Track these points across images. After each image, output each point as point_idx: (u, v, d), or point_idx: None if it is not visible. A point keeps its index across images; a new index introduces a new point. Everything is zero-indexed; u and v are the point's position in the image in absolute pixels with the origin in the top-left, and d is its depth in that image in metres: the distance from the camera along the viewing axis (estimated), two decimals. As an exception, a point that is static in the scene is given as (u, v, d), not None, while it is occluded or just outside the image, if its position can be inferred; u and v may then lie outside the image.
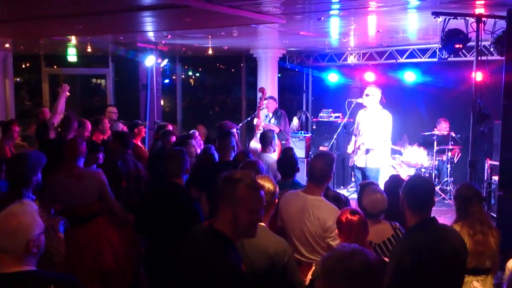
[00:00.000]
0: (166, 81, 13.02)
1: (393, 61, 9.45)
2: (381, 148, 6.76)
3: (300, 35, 7.87)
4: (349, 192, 8.77)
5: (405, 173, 8.22)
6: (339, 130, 8.40)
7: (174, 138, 6.24)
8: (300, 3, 5.64)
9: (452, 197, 8.27)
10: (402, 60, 9.34)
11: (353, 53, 10.19)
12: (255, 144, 7.45)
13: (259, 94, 8.54)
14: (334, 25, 7.17)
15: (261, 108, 8.24)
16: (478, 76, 5.37)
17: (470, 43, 5.44)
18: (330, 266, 1.76)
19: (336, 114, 9.72)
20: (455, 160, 8.67)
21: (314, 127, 10.12)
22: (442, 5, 5.18)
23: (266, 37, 8.56)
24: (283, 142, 7.89)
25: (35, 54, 11.60)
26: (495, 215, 5.12)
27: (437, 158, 8.64)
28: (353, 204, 4.96)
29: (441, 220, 5.71)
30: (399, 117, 8.08)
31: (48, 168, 3.83)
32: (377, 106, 6.86)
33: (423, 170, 8.62)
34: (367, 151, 6.74)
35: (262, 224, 2.82)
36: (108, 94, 11.82)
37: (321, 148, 9.50)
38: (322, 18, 6.33)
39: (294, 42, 9.39)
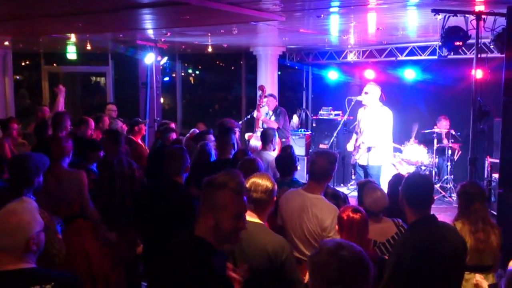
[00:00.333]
0: (166, 79, 13.01)
1: (393, 58, 9.45)
2: (382, 146, 6.76)
3: (300, 32, 7.86)
4: (349, 190, 8.77)
5: (405, 171, 8.22)
6: (339, 128, 8.39)
7: (174, 135, 6.24)
8: (299, 1, 5.63)
9: (452, 195, 8.31)
10: (402, 57, 9.34)
11: (353, 51, 10.18)
12: (255, 142, 7.44)
13: (259, 92, 8.53)
14: (334, 23, 7.16)
15: (261, 106, 8.23)
16: (478, 73, 5.37)
17: (470, 41, 5.44)
18: (322, 259, 1.76)
19: (336, 112, 9.71)
20: (455, 157, 8.67)
21: (314, 125, 10.11)
22: (442, 3, 5.18)
23: (266, 34, 8.55)
24: (283, 140, 7.88)
25: (35, 52, 11.59)
26: (495, 213, 5.12)
27: (437, 156, 8.64)
28: (352, 202, 4.97)
29: (441, 217, 5.71)
30: (399, 115, 8.07)
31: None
32: (377, 104, 6.85)
33: (423, 167, 8.62)
34: (369, 149, 6.74)
35: (261, 222, 2.82)
36: (108, 92, 11.82)
37: (321, 146, 9.49)
38: (322, 15, 6.32)
39: (294, 40, 9.38)
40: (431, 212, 2.86)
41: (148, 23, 7.12)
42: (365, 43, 9.57)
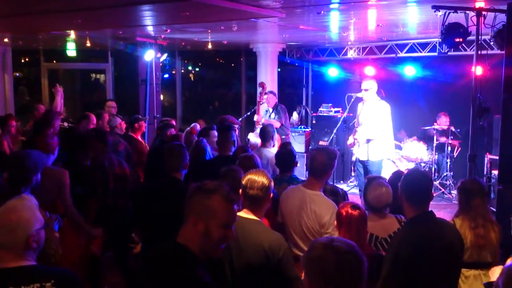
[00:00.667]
0: (166, 75, 13.00)
1: (393, 55, 9.43)
2: (381, 138, 6.75)
3: (300, 29, 7.85)
4: (349, 187, 8.78)
5: (405, 168, 8.23)
6: (339, 125, 8.39)
7: (173, 131, 6.24)
8: (299, -3, 5.63)
9: (451, 191, 8.31)
10: (402, 54, 9.32)
11: (353, 48, 10.17)
12: (254, 138, 7.44)
13: (259, 89, 8.53)
14: (334, 19, 7.15)
15: (261, 102, 8.23)
16: (478, 70, 5.36)
17: (470, 37, 5.42)
18: (318, 254, 1.79)
19: (336, 109, 9.71)
20: (455, 154, 8.67)
21: (313, 121, 10.11)
22: (442, -1, 5.17)
23: (266, 31, 8.54)
24: (283, 137, 7.88)
25: (34, 49, 11.58)
26: (494, 210, 5.12)
27: (437, 153, 8.64)
28: (352, 199, 4.98)
29: (441, 214, 5.72)
30: (399, 111, 8.07)
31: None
32: (375, 98, 6.88)
33: (422, 164, 8.62)
34: (368, 141, 6.74)
35: (257, 219, 2.82)
36: (108, 89, 11.81)
37: (320, 142, 9.50)
38: (322, 12, 6.31)
39: (294, 36, 9.37)
40: (430, 209, 2.87)
41: (148, 19, 7.10)
42: (365, 40, 9.56)
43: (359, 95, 7.15)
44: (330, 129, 9.06)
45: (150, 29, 8.33)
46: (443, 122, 8.66)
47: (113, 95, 11.56)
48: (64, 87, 12.78)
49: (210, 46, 9.90)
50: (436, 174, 8.65)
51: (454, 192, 8.11)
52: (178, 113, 12.66)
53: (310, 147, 9.47)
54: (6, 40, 9.63)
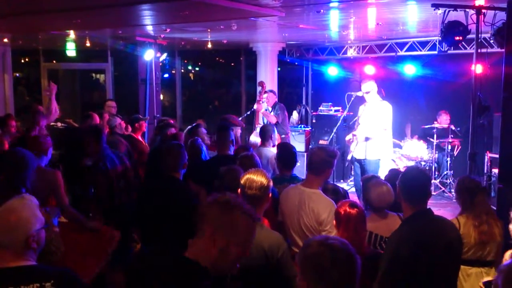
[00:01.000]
0: (166, 75, 13.00)
1: (393, 54, 9.43)
2: (380, 138, 6.74)
3: (300, 28, 7.84)
4: (349, 186, 8.78)
5: (404, 167, 8.23)
6: (338, 124, 8.39)
7: (173, 130, 6.23)
8: (299, -4, 5.62)
9: (452, 190, 8.30)
10: (402, 53, 9.32)
11: (353, 46, 10.16)
12: (254, 138, 7.44)
13: (259, 88, 8.52)
14: (334, 18, 7.15)
15: (261, 101, 8.22)
16: (478, 68, 5.35)
17: (470, 35, 5.42)
18: (313, 250, 1.82)
19: (336, 108, 9.70)
20: (455, 153, 8.67)
21: (313, 120, 10.10)
22: (442, -3, 5.16)
23: (266, 30, 8.53)
24: (283, 136, 7.88)
25: (34, 49, 11.58)
26: (495, 208, 5.11)
27: (437, 151, 8.64)
28: (352, 198, 4.97)
29: (441, 212, 5.72)
30: (399, 110, 8.07)
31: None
32: (377, 98, 6.86)
33: (422, 163, 8.62)
34: (366, 139, 6.73)
35: None
36: (107, 89, 11.81)
37: (320, 142, 9.49)
38: (322, 10, 6.30)
39: (294, 35, 9.36)
40: (429, 207, 2.86)
41: (147, 19, 7.09)
42: (365, 39, 9.55)
43: (359, 94, 7.14)
44: (330, 128, 9.05)
45: (149, 28, 8.33)
46: (443, 120, 8.65)
47: (113, 95, 11.55)
48: (64, 87, 12.86)
49: (209, 46, 9.89)
50: (436, 173, 8.65)
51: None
52: (178, 112, 12.66)
53: (310, 146, 9.47)
54: (5, 40, 9.63)
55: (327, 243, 1.83)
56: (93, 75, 13.62)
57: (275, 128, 5.93)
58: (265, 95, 8.22)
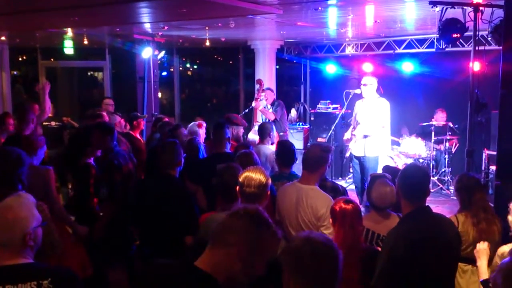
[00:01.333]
0: (164, 73, 12.98)
1: (391, 51, 9.43)
2: (379, 135, 6.75)
3: (298, 25, 7.83)
4: (347, 183, 8.79)
5: (403, 164, 8.24)
6: (337, 121, 8.39)
7: (183, 131, 6.21)
8: (297, -6, 5.61)
9: (450, 187, 8.32)
10: (400, 50, 9.33)
11: (351, 44, 10.16)
12: (253, 136, 7.44)
13: (257, 86, 8.52)
14: (332, 15, 7.14)
15: (259, 99, 8.22)
16: (475, 66, 5.35)
17: (468, 33, 5.42)
18: (295, 245, 1.83)
19: (334, 105, 9.71)
20: (453, 150, 8.68)
21: (312, 118, 10.11)
22: (440, -5, 5.16)
23: (264, 28, 8.52)
24: (281, 133, 7.88)
25: (32, 47, 11.55)
26: (492, 205, 5.12)
27: (435, 149, 8.65)
28: (350, 195, 4.97)
29: (439, 210, 5.73)
30: (397, 108, 8.08)
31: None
32: (374, 95, 6.87)
33: (421, 160, 8.63)
34: (365, 137, 6.73)
35: None
36: (105, 87, 11.79)
37: (319, 139, 9.50)
38: (320, 8, 6.30)
39: (292, 33, 9.35)
40: (427, 204, 2.86)
41: (145, 16, 7.08)
42: (363, 36, 9.55)
43: (357, 91, 7.15)
44: (328, 126, 9.06)
45: (147, 26, 8.31)
46: (439, 118, 8.68)
47: (111, 93, 11.53)
48: (62, 85, 12.84)
49: (208, 43, 9.88)
50: (434, 170, 8.66)
51: (453, 188, 8.12)
52: (176, 110, 12.65)
53: (308, 144, 9.47)
54: (3, 38, 9.60)
55: (308, 238, 1.83)
56: (91, 73, 13.59)
57: (273, 126, 5.93)
58: (263, 94, 8.21)
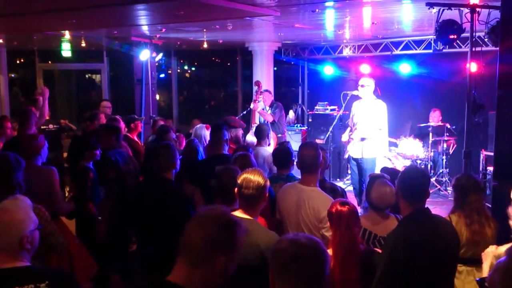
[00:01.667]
0: (162, 75, 12.98)
1: (389, 53, 9.45)
2: (376, 137, 6.76)
3: (295, 27, 7.84)
4: (345, 185, 8.79)
5: (401, 165, 8.25)
6: (334, 123, 8.40)
7: (173, 134, 6.21)
8: (294, -5, 5.62)
9: (447, 188, 8.33)
10: (397, 52, 9.34)
11: (349, 46, 10.17)
12: (251, 137, 7.44)
13: (255, 88, 8.52)
14: (329, 17, 7.15)
15: (257, 101, 8.23)
16: (472, 67, 5.36)
17: (465, 34, 5.43)
18: (281, 246, 1.84)
19: (332, 107, 9.72)
20: (451, 151, 8.70)
21: (310, 120, 10.12)
22: (436, -4, 5.17)
23: (261, 30, 8.53)
24: (279, 135, 7.89)
25: (29, 49, 11.55)
26: (490, 206, 5.13)
27: (433, 150, 8.66)
28: (349, 196, 4.98)
29: (437, 211, 5.73)
30: (395, 109, 8.09)
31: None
32: (371, 97, 6.88)
33: (418, 161, 8.64)
34: (362, 139, 6.75)
35: (252, 218, 2.82)
36: (103, 89, 11.79)
37: (317, 141, 9.49)
38: (317, 10, 6.31)
39: (290, 35, 9.36)
40: (426, 206, 2.86)
41: (143, 19, 7.08)
42: (361, 38, 9.57)
43: (355, 93, 7.16)
44: (326, 127, 9.07)
45: (145, 28, 8.31)
46: (434, 117, 8.73)
47: (109, 95, 11.53)
48: (60, 88, 12.82)
49: (205, 45, 9.88)
50: (432, 171, 8.67)
51: (450, 188, 8.12)
52: (174, 112, 12.65)
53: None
54: (0, 41, 9.59)
55: (293, 240, 1.84)
56: (89, 75, 13.58)
57: (270, 127, 5.93)
58: (261, 96, 8.22)
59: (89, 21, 7.21)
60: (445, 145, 8.57)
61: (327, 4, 6.04)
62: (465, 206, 3.53)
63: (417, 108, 9.66)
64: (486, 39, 5.96)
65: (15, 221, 2.11)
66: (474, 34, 5.21)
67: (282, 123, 8.23)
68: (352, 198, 6.40)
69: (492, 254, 3.09)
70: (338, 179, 9.40)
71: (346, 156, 7.32)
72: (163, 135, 5.55)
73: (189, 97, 13.87)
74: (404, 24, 7.78)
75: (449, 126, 8.45)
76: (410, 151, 8.67)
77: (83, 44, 9.60)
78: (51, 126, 6.80)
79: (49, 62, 12.11)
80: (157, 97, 11.93)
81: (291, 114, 10.53)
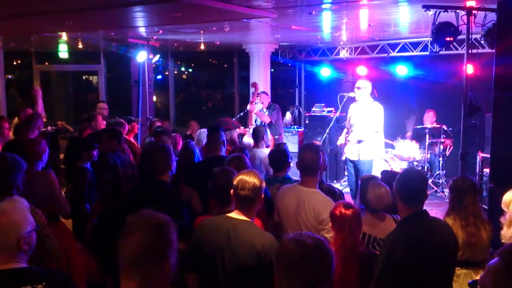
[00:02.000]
0: (159, 77, 12.97)
1: (385, 55, 9.47)
2: (373, 139, 6.77)
3: (292, 29, 7.86)
4: (342, 186, 8.80)
5: (398, 167, 8.27)
6: (331, 124, 8.41)
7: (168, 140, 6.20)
8: (291, -3, 5.63)
9: (444, 190, 8.35)
10: (394, 54, 9.36)
11: (345, 47, 10.19)
12: (247, 139, 7.45)
13: (252, 89, 8.53)
14: (326, 19, 7.17)
15: (254, 103, 8.23)
16: (469, 69, 5.38)
17: (461, 36, 5.45)
18: (284, 247, 1.86)
19: (329, 109, 9.73)
20: (447, 153, 8.72)
21: (306, 121, 10.12)
22: (433, -2, 5.19)
23: (258, 31, 8.54)
24: (276, 137, 7.89)
25: (26, 51, 11.53)
26: (486, 207, 5.15)
27: (429, 151, 8.68)
28: (346, 198, 4.99)
29: (434, 212, 5.75)
30: (391, 111, 8.10)
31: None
32: (368, 99, 6.90)
33: (415, 163, 8.66)
34: (359, 141, 6.76)
35: (249, 219, 2.82)
36: (100, 91, 11.78)
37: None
38: (314, 12, 6.32)
39: (286, 37, 9.38)
40: (424, 207, 2.87)
41: (140, 20, 7.08)
42: (357, 40, 9.58)
43: (351, 94, 7.18)
44: (323, 129, 9.07)
45: (142, 30, 8.31)
46: (428, 118, 8.77)
47: (106, 96, 11.52)
48: (57, 89, 12.80)
49: (202, 47, 9.88)
50: (428, 173, 8.69)
51: (447, 190, 8.15)
52: (171, 114, 12.64)
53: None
54: (-3, 42, 9.59)
55: (298, 240, 1.85)
56: (86, 77, 13.56)
57: (267, 129, 5.93)
58: (257, 98, 8.23)
59: (86, 22, 7.20)
60: (441, 147, 8.59)
61: (323, 6, 6.05)
62: (461, 208, 3.53)
63: (414, 110, 9.69)
64: (482, 41, 5.99)
65: (12, 222, 2.11)
66: (470, 36, 5.24)
67: (279, 124, 8.24)
68: (349, 200, 6.40)
69: None
70: (335, 181, 9.42)
71: (343, 158, 7.33)
72: (157, 137, 5.56)
73: (186, 99, 13.86)
74: (401, 26, 7.80)
75: (445, 128, 8.48)
76: (407, 153, 8.69)
77: (80, 46, 9.61)
78: (49, 128, 6.81)
79: (46, 63, 12.09)
80: (154, 98, 11.93)
81: (288, 115, 10.54)
